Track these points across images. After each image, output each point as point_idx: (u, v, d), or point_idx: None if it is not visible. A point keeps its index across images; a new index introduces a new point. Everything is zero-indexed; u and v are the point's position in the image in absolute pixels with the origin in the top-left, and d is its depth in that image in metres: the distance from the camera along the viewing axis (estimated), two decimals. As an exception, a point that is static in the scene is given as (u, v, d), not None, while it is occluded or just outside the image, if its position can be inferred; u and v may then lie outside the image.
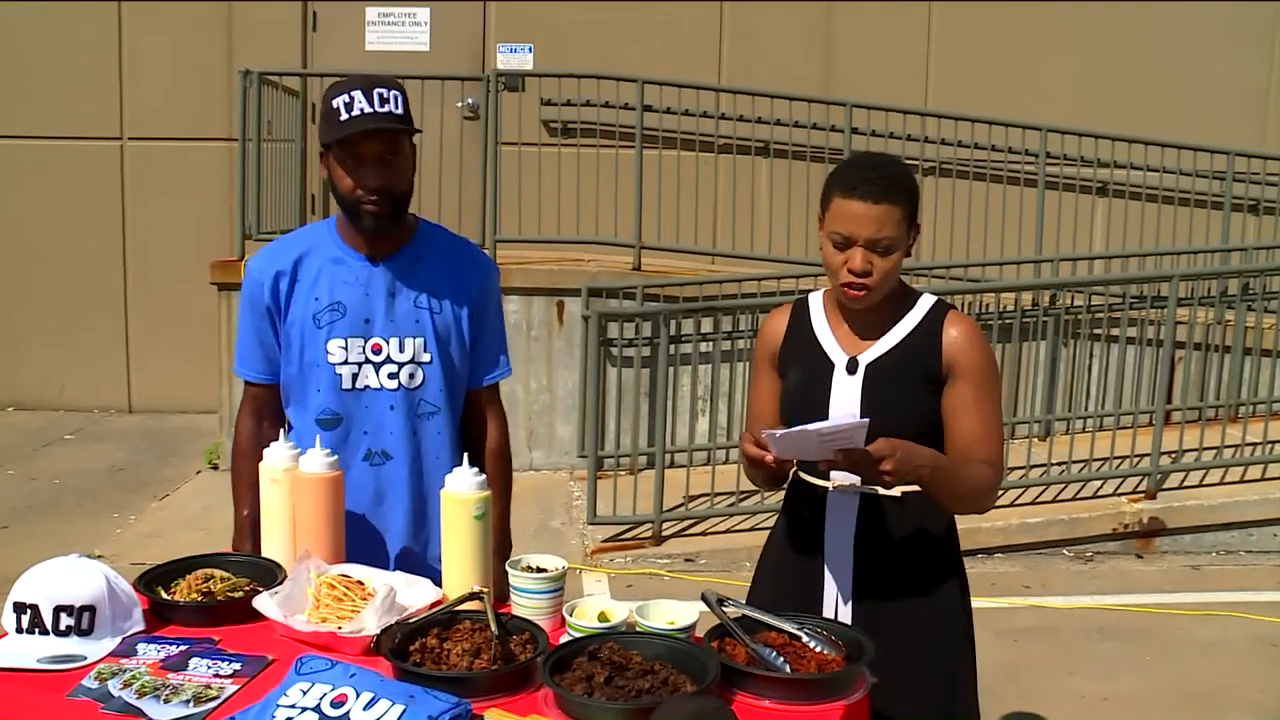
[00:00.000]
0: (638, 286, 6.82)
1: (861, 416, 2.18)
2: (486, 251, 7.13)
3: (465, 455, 2.28)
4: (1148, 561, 6.20)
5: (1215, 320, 7.15)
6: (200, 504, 6.48)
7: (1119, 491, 6.45)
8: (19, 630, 1.97)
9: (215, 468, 7.08)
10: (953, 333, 2.26)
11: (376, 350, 2.47)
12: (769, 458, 2.09)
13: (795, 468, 2.38)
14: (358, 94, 2.35)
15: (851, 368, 2.29)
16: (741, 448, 2.18)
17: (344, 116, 2.34)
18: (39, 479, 7.04)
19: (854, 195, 2.18)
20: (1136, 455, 6.50)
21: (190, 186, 8.51)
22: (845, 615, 2.28)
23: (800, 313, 2.41)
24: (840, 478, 2.28)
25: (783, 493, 2.48)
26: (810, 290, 2.48)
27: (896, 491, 2.26)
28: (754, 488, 6.18)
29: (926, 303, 2.32)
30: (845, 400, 2.27)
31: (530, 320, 7.11)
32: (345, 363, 2.47)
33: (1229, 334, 7.00)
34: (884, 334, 2.30)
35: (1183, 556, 6.24)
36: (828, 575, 2.32)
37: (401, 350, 2.48)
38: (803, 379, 2.34)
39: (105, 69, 8.52)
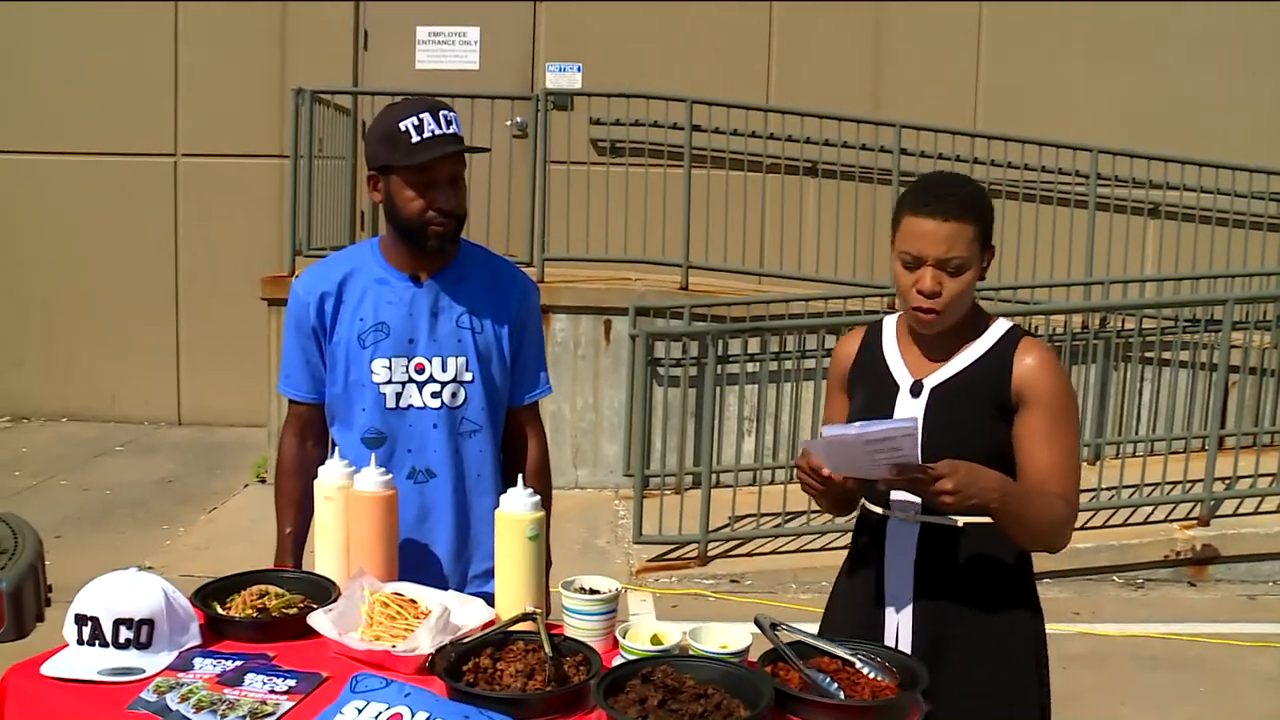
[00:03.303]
0: (685, 306, 6.82)
1: (925, 442, 2.06)
2: (534, 270, 7.17)
3: (520, 476, 2.28)
4: (1201, 590, 6.10)
5: (1272, 345, 7.04)
6: (248, 518, 6.54)
7: (1171, 518, 6.36)
8: (80, 642, 1.99)
9: (263, 481, 7.14)
10: (1027, 360, 2.17)
11: (420, 370, 2.49)
12: (824, 472, 2.04)
13: (862, 495, 2.30)
14: (427, 116, 2.37)
15: (916, 390, 2.22)
16: (797, 464, 2.13)
17: (416, 139, 2.36)
18: (91, 489, 7.14)
19: (924, 213, 2.12)
20: (1189, 481, 6.41)
21: (242, 203, 8.62)
22: (905, 645, 2.21)
23: (873, 335, 2.36)
24: (902, 508, 2.21)
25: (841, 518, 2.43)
26: (874, 312, 2.46)
27: (958, 521, 2.16)
28: (800, 509, 6.19)
29: (1001, 327, 2.24)
30: None
31: (577, 339, 7.13)
32: (389, 382, 2.49)
33: (1285, 359, 6.90)
34: (953, 357, 2.23)
35: (1238, 585, 6.13)
36: (888, 611, 2.25)
37: (444, 369, 2.50)
38: (867, 401, 2.28)
39: (160, 86, 8.66)
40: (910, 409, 2.21)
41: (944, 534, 2.20)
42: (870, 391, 2.29)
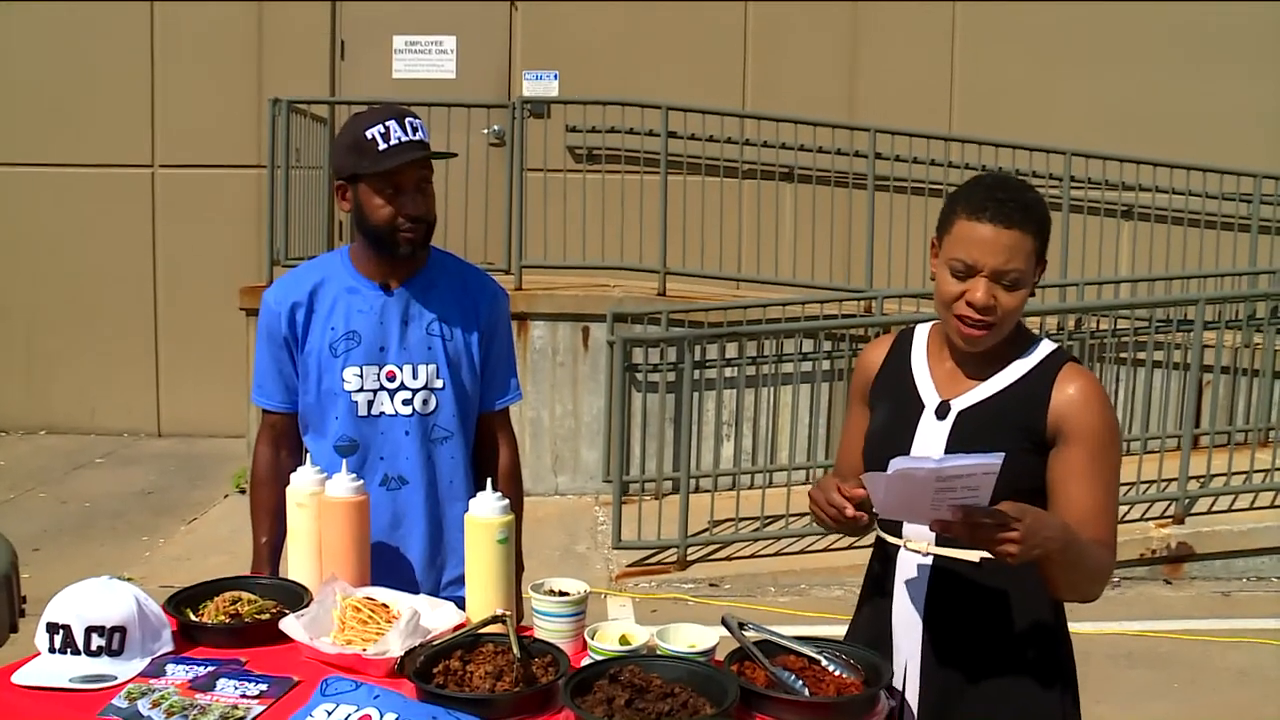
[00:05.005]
0: (663, 312, 6.85)
1: None
2: (512, 277, 7.19)
3: (489, 480, 2.30)
4: (1176, 587, 6.15)
5: (1243, 344, 7.11)
6: (228, 528, 6.53)
7: (1146, 516, 6.41)
8: (51, 650, 2.00)
9: (243, 491, 7.13)
10: (1068, 390, 1.95)
11: (391, 377, 2.51)
12: (849, 512, 1.87)
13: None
14: (393, 124, 2.39)
15: (941, 412, 2.03)
16: (810, 495, 1.96)
17: (382, 146, 2.38)
18: (70, 501, 7.11)
19: (983, 218, 1.90)
20: (1164, 480, 6.45)
21: (220, 213, 8.62)
22: (913, 692, 2.05)
23: (901, 345, 2.16)
24: (915, 538, 2.04)
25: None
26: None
27: (974, 555, 1.94)
28: (778, 513, 6.21)
29: (1043, 350, 2.03)
30: (928, 449, 2.00)
31: (556, 345, 7.15)
32: (361, 390, 2.51)
33: (1258, 357, 6.96)
34: (988, 378, 2.02)
35: (1212, 582, 6.18)
36: (896, 649, 2.09)
37: (415, 377, 2.52)
38: (886, 419, 2.09)
39: (137, 97, 8.66)
40: (933, 432, 2.03)
41: (958, 569, 2.01)
42: (891, 408, 2.10)
